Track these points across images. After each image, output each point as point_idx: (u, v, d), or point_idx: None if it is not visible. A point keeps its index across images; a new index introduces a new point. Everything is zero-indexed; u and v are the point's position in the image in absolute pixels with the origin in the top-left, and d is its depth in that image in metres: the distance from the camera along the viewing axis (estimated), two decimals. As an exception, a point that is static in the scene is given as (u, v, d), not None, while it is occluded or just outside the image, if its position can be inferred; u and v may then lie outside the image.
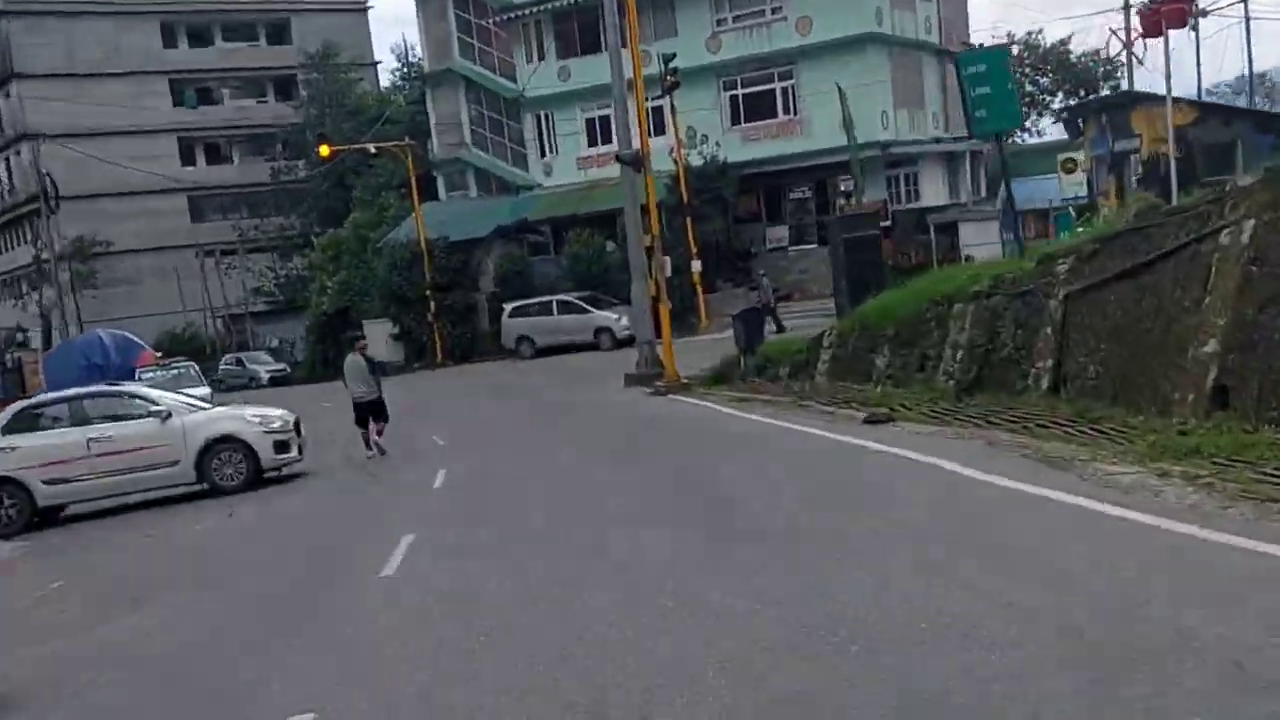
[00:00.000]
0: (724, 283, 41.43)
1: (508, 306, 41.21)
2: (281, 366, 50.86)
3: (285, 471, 19.52)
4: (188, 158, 68.33)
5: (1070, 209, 28.09)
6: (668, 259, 24.95)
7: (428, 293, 43.60)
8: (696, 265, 39.31)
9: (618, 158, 25.96)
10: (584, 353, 38.67)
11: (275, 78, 68.52)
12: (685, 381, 23.68)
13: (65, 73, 64.27)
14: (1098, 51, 56.87)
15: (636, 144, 26.53)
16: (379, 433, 20.76)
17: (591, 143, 44.06)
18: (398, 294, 44.26)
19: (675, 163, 41.61)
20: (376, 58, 70.08)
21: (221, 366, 53.13)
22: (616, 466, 14.64)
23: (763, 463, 13.11)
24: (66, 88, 64.22)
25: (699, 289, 39.33)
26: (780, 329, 34.93)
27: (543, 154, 44.95)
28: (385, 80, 64.88)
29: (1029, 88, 58.61)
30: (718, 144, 41.13)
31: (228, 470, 18.60)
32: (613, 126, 44.01)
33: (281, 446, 19.11)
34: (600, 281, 41.22)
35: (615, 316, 39.00)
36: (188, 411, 19.21)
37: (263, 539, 14.42)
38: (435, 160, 47.24)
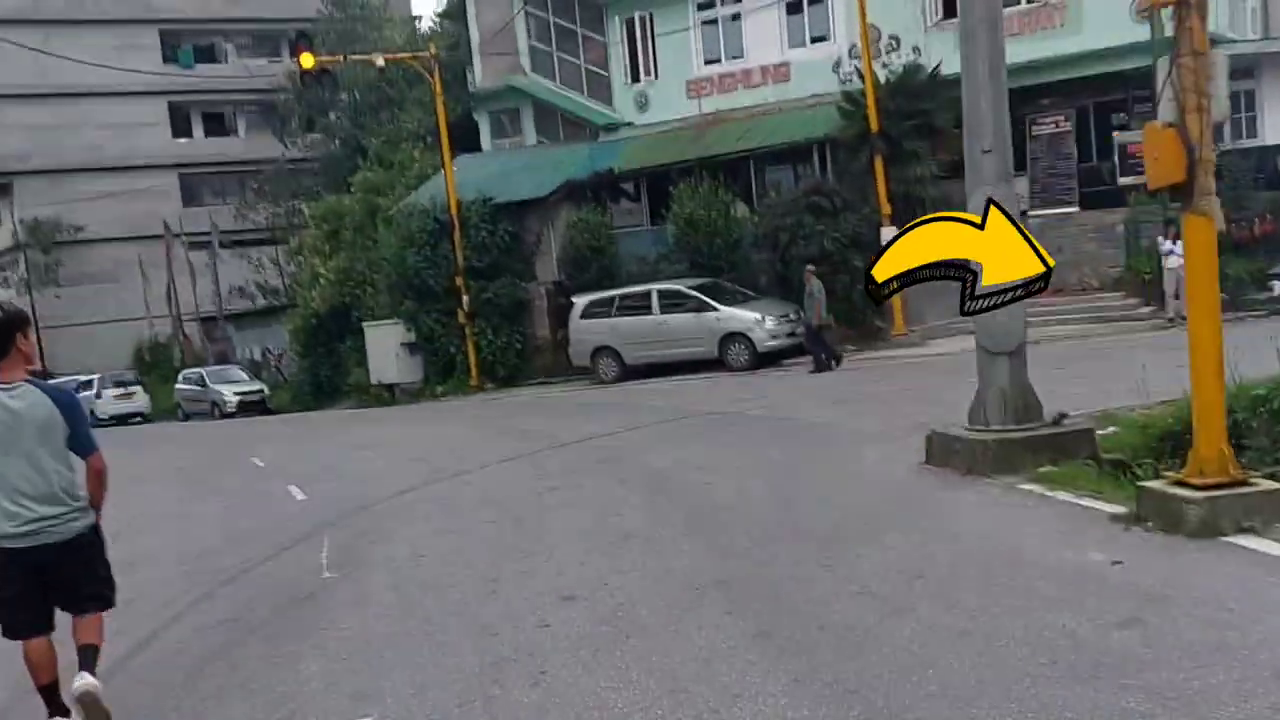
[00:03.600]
0: (925, 267, 25.47)
1: (579, 301, 25.46)
2: (257, 388, 35.37)
3: None
4: (181, 128, 53.46)
5: None
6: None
7: (458, 281, 27.99)
8: (889, 234, 23.34)
9: None
10: (703, 374, 22.90)
11: (292, 31, 53.31)
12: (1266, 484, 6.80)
13: (31, 19, 49.66)
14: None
15: None
16: (89, 653, 5.24)
17: (711, 58, 28.23)
18: (414, 283, 28.65)
19: (844, 78, 25.82)
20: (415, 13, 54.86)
21: (177, 387, 37.71)
22: None
23: None
24: (32, 37, 49.56)
25: (891, 274, 23.43)
26: (825, 364, 21.20)
27: (635, 78, 29.24)
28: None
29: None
30: (915, 50, 25.21)
31: None
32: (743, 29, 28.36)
33: None
34: (726, 263, 25.39)
35: (756, 316, 23.18)
36: None
37: None
38: (478, 93, 31.80)
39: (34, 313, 50.14)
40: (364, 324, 30.56)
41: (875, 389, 17.05)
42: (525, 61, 30.92)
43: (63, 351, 49.07)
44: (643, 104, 29.16)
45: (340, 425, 25.16)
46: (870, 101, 23.40)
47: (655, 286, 24.56)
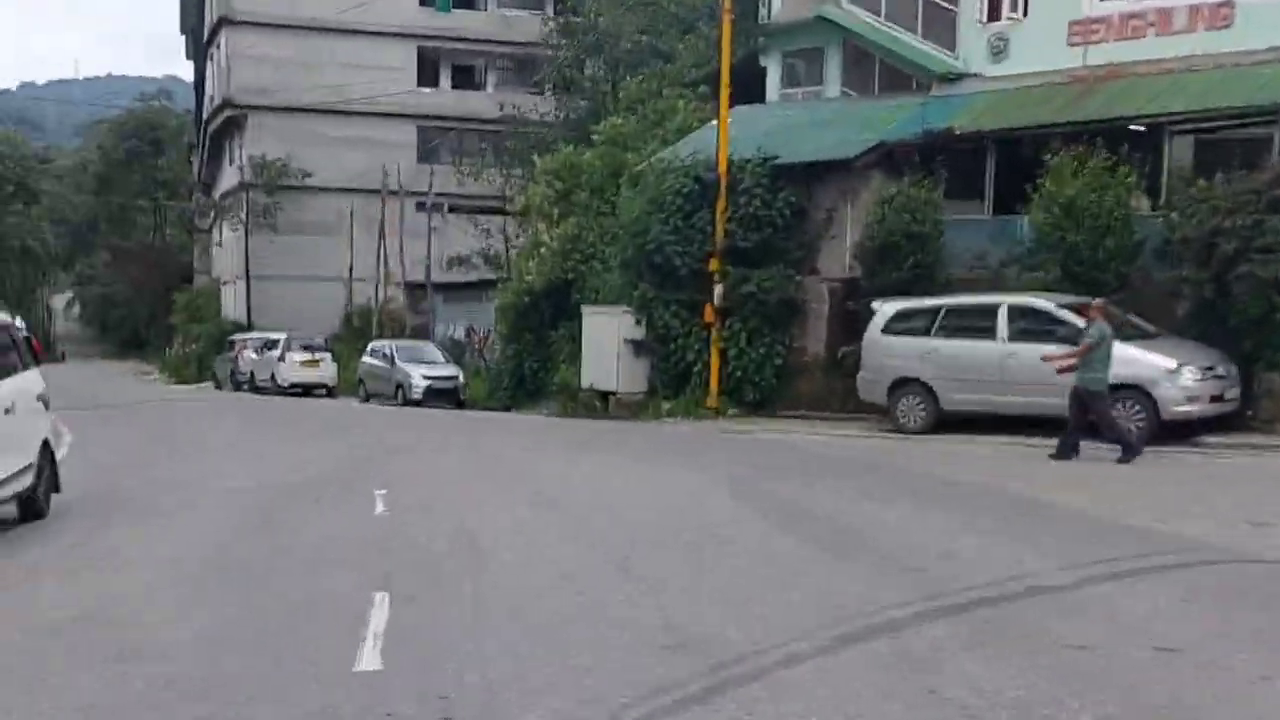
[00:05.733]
0: None
1: (883, 307, 17.51)
2: (451, 374, 28.95)
3: None
4: (428, 77, 48.37)
5: None
6: None
7: (713, 264, 20.58)
8: None
9: None
10: (1045, 436, 14.50)
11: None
12: None
13: (288, -57, 45.57)
14: None
15: None
16: None
17: (1113, -13, 19.83)
18: (655, 261, 21.40)
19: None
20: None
21: (362, 360, 31.77)
22: None
23: None
24: (285, -37, 45.59)
25: None
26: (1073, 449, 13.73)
27: (993, 15, 21.08)
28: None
29: None
30: None
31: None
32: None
33: None
34: (1115, 277, 16.91)
35: (1168, 364, 14.86)
36: None
37: None
38: (771, 28, 24.34)
39: (247, 259, 46.24)
40: (583, 307, 23.55)
41: None
42: (840, -13, 23.19)
43: (271, 305, 44.67)
44: (999, 50, 20.92)
45: (533, 441, 18.15)
46: None
47: (1006, 299, 16.36)
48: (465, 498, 11.33)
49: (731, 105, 22.24)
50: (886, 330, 17.29)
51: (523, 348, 26.84)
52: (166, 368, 51.18)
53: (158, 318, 61.34)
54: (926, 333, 16.86)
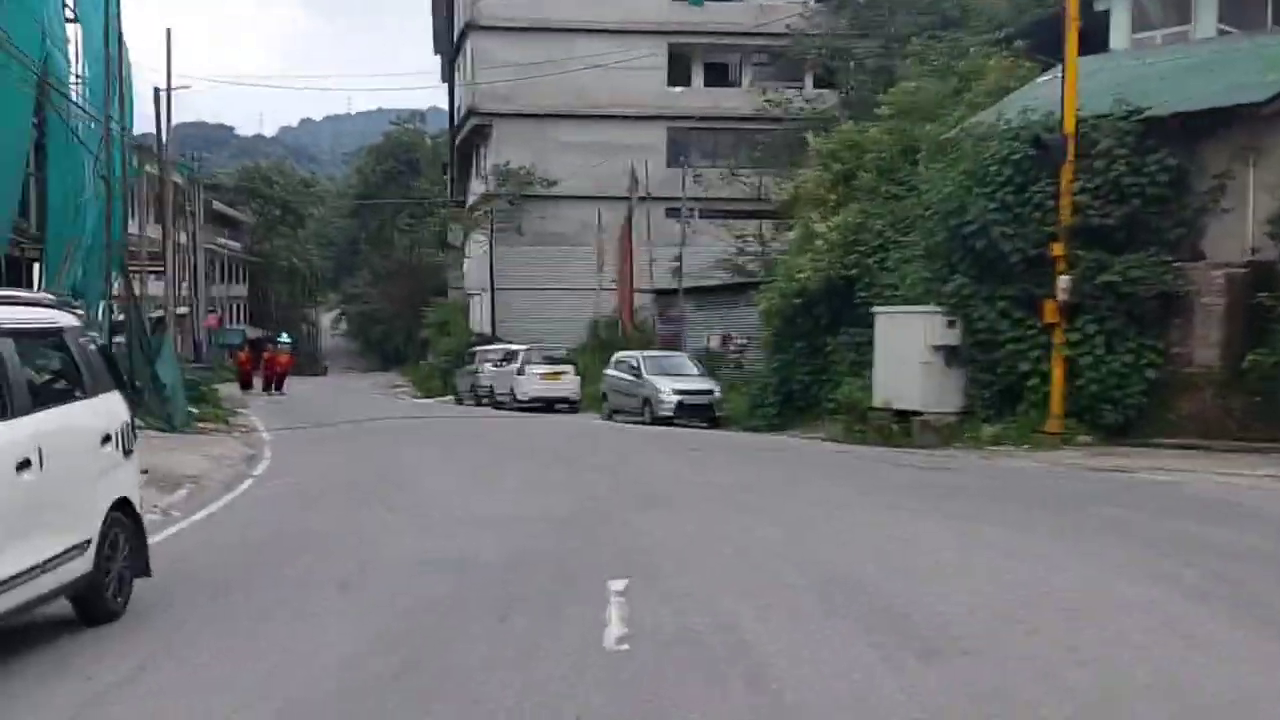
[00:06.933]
0: None
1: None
2: (705, 388, 24.38)
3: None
4: (679, 74, 44.44)
5: None
6: None
7: (1056, 249, 15.42)
8: None
9: None
10: None
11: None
12: None
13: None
14: None
15: None
16: None
17: None
18: (975, 246, 16.40)
19: None
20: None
21: (606, 374, 27.72)
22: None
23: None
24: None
25: None
26: None
27: None
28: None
29: None
30: None
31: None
32: None
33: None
34: None
35: None
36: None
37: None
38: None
39: (491, 271, 43.57)
40: (874, 309, 18.71)
41: None
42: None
43: (515, 317, 41.80)
44: None
45: (829, 482, 13.42)
46: None
47: None
48: (758, 608, 6.55)
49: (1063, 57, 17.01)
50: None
51: (791, 358, 22.23)
52: (416, 381, 49.51)
53: (413, 332, 60.30)
54: None
